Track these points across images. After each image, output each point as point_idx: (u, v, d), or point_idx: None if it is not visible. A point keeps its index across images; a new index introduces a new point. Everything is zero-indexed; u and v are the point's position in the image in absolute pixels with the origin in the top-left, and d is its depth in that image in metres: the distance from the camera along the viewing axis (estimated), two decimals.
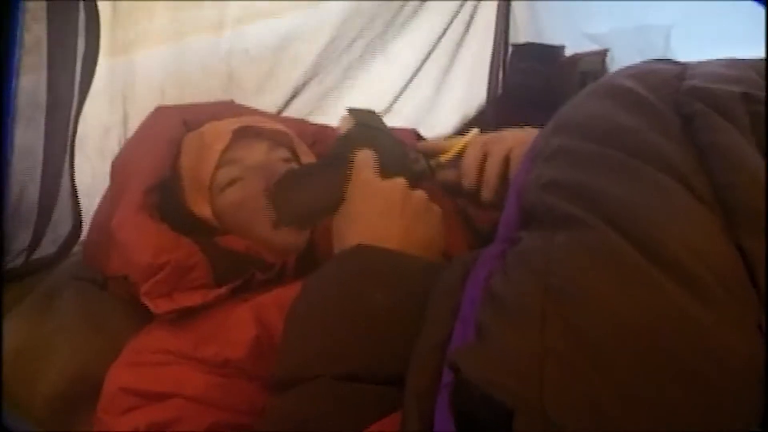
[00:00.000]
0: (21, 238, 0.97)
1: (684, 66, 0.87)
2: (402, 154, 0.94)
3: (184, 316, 0.86)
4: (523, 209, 0.74)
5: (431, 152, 0.97)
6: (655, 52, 1.44)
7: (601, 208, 0.67)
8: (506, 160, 0.92)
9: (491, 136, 0.94)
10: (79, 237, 1.05)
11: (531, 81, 1.60)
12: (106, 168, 0.99)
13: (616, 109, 0.80)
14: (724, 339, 0.55)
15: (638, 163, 0.71)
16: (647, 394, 0.54)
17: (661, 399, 0.54)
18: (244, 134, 0.98)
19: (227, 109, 1.09)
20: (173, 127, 0.99)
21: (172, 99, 1.14)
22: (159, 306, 0.84)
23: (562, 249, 0.65)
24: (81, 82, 0.93)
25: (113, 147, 1.11)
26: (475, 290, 0.70)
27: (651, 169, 0.70)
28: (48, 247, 1.04)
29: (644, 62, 0.95)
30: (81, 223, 1.04)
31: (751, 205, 0.65)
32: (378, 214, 0.81)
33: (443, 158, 0.95)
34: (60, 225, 1.04)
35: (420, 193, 0.83)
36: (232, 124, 0.98)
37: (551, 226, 0.68)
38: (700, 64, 0.88)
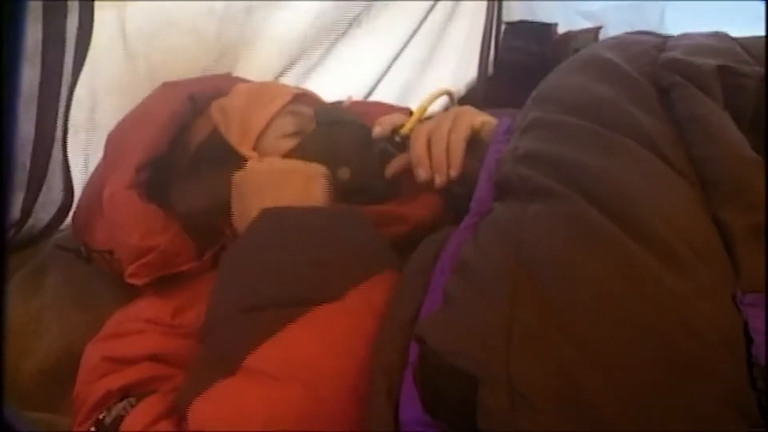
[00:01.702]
0: (11, 211, 0.95)
1: (665, 38, 0.87)
2: (366, 140, 0.95)
3: (164, 288, 0.87)
4: (497, 182, 0.74)
5: (393, 128, 0.96)
6: (649, 28, 1.43)
7: (577, 180, 0.66)
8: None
9: (431, 123, 0.92)
10: (69, 210, 1.04)
11: (524, 59, 1.60)
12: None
13: (594, 81, 0.80)
14: (700, 309, 0.55)
15: (615, 136, 0.71)
16: (621, 364, 0.54)
17: (636, 369, 0.53)
18: (302, 98, 1.00)
19: (232, 81, 1.08)
20: (177, 103, 0.96)
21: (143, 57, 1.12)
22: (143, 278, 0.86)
23: (536, 220, 0.65)
24: (75, 57, 0.92)
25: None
26: (445, 262, 0.71)
27: (628, 141, 0.70)
28: (40, 221, 1.03)
29: (627, 33, 0.95)
30: (72, 196, 1.04)
31: (727, 178, 0.65)
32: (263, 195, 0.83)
33: (403, 131, 0.94)
34: (51, 198, 1.03)
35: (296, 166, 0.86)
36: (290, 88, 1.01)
37: (526, 197, 0.68)
38: (682, 36, 0.87)
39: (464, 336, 0.58)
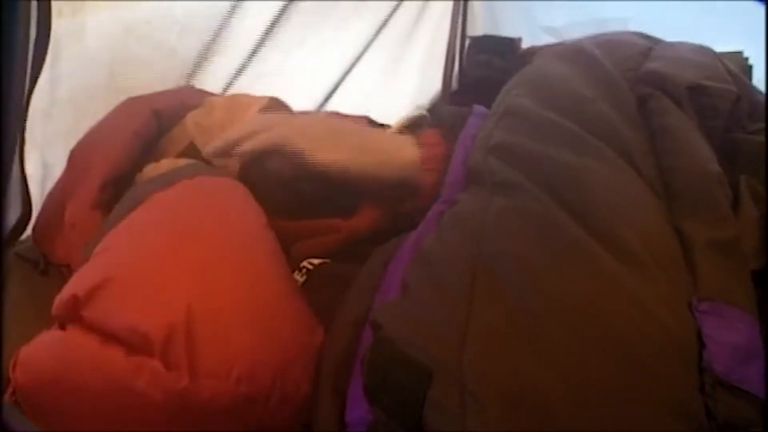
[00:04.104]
0: None
1: (652, 44, 0.87)
2: None
3: None
4: (468, 169, 0.74)
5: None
6: None
7: (545, 177, 0.67)
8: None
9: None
10: (27, 223, 1.03)
11: (489, 73, 1.61)
12: None
13: (579, 77, 0.81)
14: (656, 315, 0.56)
15: (589, 137, 0.72)
16: (575, 366, 0.54)
17: (589, 372, 0.54)
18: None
19: (194, 93, 1.09)
20: (141, 119, 0.96)
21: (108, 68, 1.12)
22: None
23: (499, 215, 0.66)
24: (32, 67, 0.91)
25: None
26: (405, 251, 0.71)
27: (601, 143, 0.71)
28: None
29: (617, 33, 0.95)
30: (31, 208, 1.02)
31: (691, 190, 0.67)
32: None
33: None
34: (9, 212, 1.01)
35: None
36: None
37: (492, 188, 0.69)
38: (669, 45, 0.88)
39: (420, 327, 0.58)
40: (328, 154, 0.84)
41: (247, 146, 0.86)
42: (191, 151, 0.93)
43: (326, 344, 0.69)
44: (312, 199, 0.94)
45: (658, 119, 0.74)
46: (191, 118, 0.97)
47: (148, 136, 0.95)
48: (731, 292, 0.59)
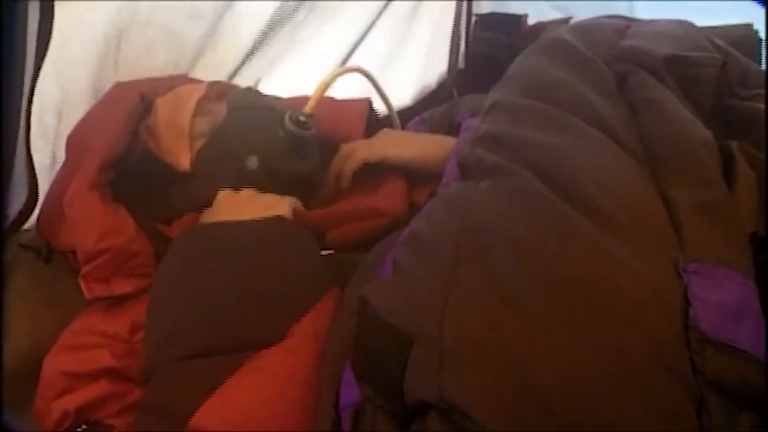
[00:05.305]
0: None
1: (629, 23, 0.88)
2: (273, 123, 0.95)
3: (122, 301, 0.86)
4: (458, 163, 0.77)
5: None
6: None
7: (526, 156, 0.69)
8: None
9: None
10: (33, 210, 1.03)
11: (495, 51, 1.60)
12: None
13: (553, 65, 0.83)
14: (635, 271, 0.57)
15: (567, 116, 0.73)
16: (553, 322, 0.55)
17: (567, 327, 0.55)
18: (217, 88, 1.00)
19: (184, 81, 1.08)
20: (131, 103, 0.97)
21: (110, 56, 1.11)
22: (93, 290, 0.85)
23: (483, 192, 0.67)
24: (36, 56, 0.91)
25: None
26: (400, 238, 0.72)
27: (579, 121, 0.72)
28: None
29: (592, 18, 0.97)
30: (37, 196, 1.03)
31: (676, 156, 0.67)
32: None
33: (306, 110, 0.96)
34: (15, 198, 1.01)
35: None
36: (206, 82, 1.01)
37: (479, 175, 0.71)
38: (646, 22, 0.89)
39: (405, 298, 0.60)
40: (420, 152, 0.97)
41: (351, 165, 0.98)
42: (147, 156, 0.96)
43: (327, 338, 0.69)
44: None
45: (638, 93, 0.75)
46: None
47: (136, 120, 0.97)
48: (720, 252, 0.59)
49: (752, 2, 0.77)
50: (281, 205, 0.87)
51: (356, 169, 0.98)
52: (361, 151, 0.98)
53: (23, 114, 0.94)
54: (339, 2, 1.44)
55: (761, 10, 0.70)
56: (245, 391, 0.67)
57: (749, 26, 1.11)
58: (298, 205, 0.90)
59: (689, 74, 0.74)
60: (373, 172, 0.98)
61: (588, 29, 0.88)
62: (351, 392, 0.60)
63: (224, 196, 0.90)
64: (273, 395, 0.67)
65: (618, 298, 0.55)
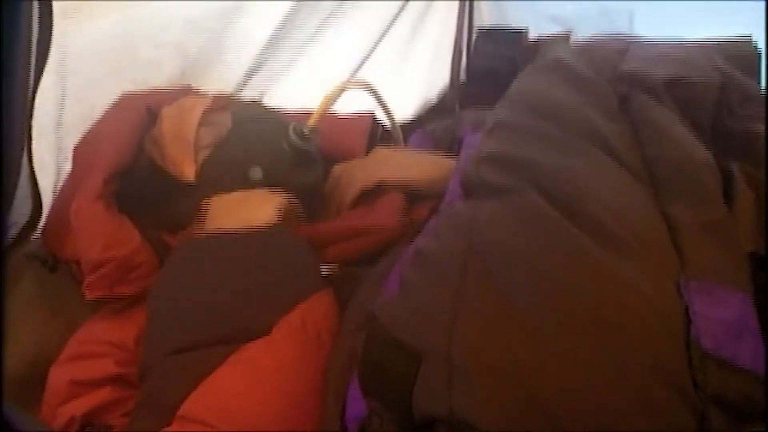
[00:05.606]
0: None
1: (629, 44, 0.89)
2: (277, 135, 0.97)
3: (126, 309, 0.88)
4: (462, 183, 0.77)
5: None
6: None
7: (530, 176, 0.70)
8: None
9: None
10: (38, 222, 1.03)
11: (496, 64, 1.60)
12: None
13: (556, 85, 0.84)
14: (637, 288, 0.57)
15: (571, 137, 0.74)
16: (560, 339, 0.56)
17: (572, 344, 0.55)
18: (222, 100, 1.01)
19: (190, 93, 1.08)
20: (137, 114, 0.98)
21: (117, 70, 1.13)
22: (93, 291, 0.86)
23: (488, 211, 0.68)
24: (36, 65, 0.92)
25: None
26: (405, 255, 0.73)
27: (583, 142, 0.73)
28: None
29: (592, 37, 0.97)
30: (41, 207, 1.03)
31: (678, 176, 0.68)
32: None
33: (310, 123, 0.98)
34: (20, 209, 1.02)
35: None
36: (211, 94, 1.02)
37: (484, 195, 0.72)
38: (645, 44, 0.90)
39: (413, 315, 0.61)
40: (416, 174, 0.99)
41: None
42: (151, 166, 0.96)
43: (332, 350, 0.70)
44: None
45: (639, 114, 0.76)
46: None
47: (142, 132, 0.97)
48: (720, 271, 0.60)
49: (752, 2, 0.78)
50: (269, 203, 0.88)
51: (354, 198, 0.99)
52: (358, 178, 1.00)
53: (25, 127, 0.95)
54: (346, 16, 1.45)
55: (761, 11, 0.70)
56: (231, 380, 0.69)
57: (748, 40, 1.12)
58: (291, 207, 0.91)
59: (689, 96, 0.75)
60: (370, 193, 0.99)
61: (588, 49, 0.89)
62: (357, 405, 0.60)
63: (217, 200, 0.91)
64: (257, 384, 0.69)
65: (621, 315, 0.56)
